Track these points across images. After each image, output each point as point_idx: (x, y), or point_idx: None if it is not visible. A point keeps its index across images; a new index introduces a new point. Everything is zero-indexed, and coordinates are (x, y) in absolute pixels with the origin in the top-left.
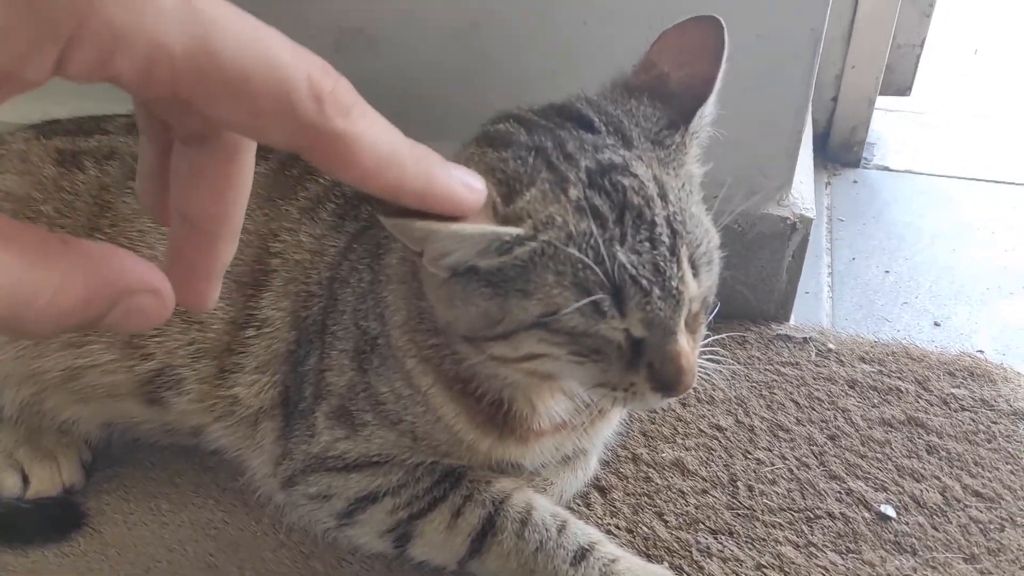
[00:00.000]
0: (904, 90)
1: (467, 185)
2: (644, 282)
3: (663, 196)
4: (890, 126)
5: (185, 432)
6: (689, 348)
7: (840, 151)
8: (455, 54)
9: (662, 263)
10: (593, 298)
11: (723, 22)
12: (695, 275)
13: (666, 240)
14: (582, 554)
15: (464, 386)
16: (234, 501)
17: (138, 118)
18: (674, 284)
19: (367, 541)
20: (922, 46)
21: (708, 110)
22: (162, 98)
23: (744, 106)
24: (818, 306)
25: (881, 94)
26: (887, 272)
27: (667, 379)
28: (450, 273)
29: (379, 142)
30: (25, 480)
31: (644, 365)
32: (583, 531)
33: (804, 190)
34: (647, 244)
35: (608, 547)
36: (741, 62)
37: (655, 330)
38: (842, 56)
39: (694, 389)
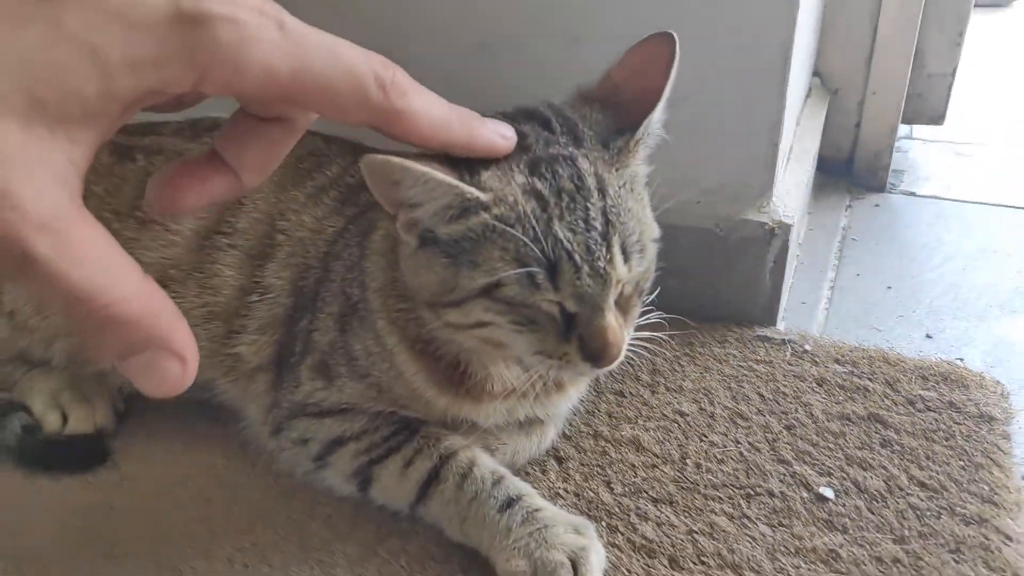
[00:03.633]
0: (937, 119)
1: (501, 134)
2: (577, 258)
3: (601, 190)
4: (924, 155)
5: (200, 385)
6: (617, 324)
7: (865, 176)
8: (468, 69)
9: (593, 245)
10: (529, 269)
11: (675, 37)
12: (625, 260)
13: (598, 227)
14: (509, 503)
15: (425, 347)
16: (235, 449)
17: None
18: (602, 265)
19: (336, 484)
20: (953, 75)
21: (656, 117)
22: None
23: (725, 115)
24: (812, 317)
25: (914, 123)
26: (889, 288)
27: (594, 350)
28: (418, 243)
29: (431, 112)
30: (64, 419)
31: (576, 336)
32: (515, 486)
33: (789, 200)
34: (582, 225)
35: (535, 499)
36: (720, 76)
37: (585, 305)
38: (863, 82)
39: (662, 378)
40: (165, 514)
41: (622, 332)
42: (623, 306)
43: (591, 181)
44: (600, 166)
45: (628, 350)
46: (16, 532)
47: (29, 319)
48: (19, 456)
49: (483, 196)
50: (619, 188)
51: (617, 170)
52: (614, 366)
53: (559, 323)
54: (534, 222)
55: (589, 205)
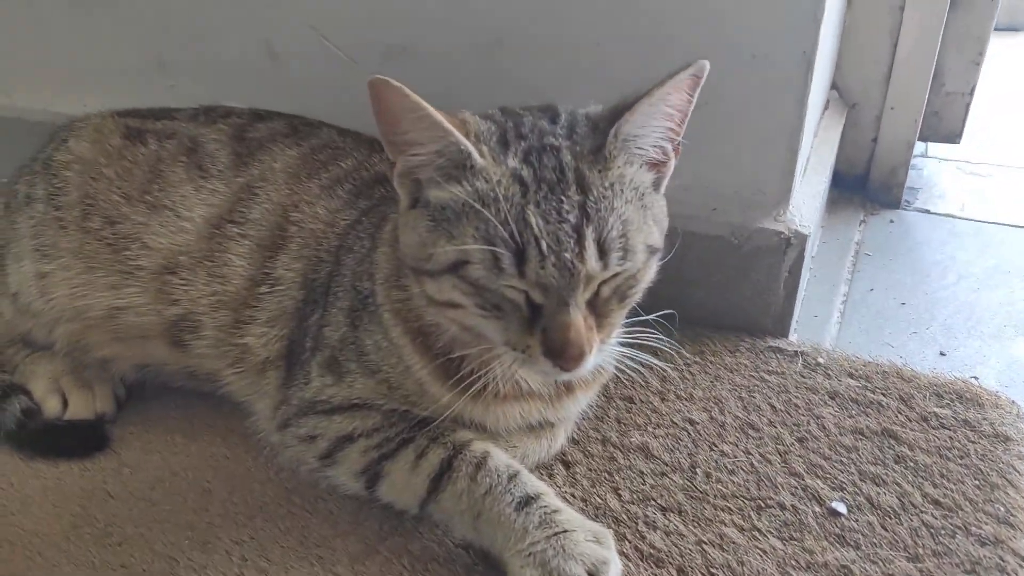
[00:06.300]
0: (953, 137)
1: None
2: (544, 246)
3: (580, 185)
4: (940, 174)
5: (204, 376)
6: (583, 325)
7: (880, 192)
8: (482, 66)
9: (563, 236)
10: (494, 249)
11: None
12: (600, 257)
13: (571, 220)
14: (527, 501)
15: (424, 339)
16: (238, 441)
17: None
18: (568, 257)
19: (344, 481)
20: (971, 94)
21: (624, 130)
22: None
23: (742, 124)
24: (825, 330)
25: (930, 140)
26: (903, 304)
27: (555, 346)
28: (410, 202)
29: None
30: (65, 404)
31: (540, 330)
32: (532, 483)
33: (805, 210)
34: (555, 215)
35: (553, 499)
36: (739, 81)
37: (551, 297)
38: (881, 98)
39: (672, 385)
40: (163, 503)
41: (589, 334)
42: (599, 309)
43: (571, 175)
44: (584, 162)
45: (617, 365)
46: (11, 514)
47: (33, 302)
48: (18, 440)
49: (475, 155)
50: (605, 186)
51: (599, 171)
52: (581, 372)
53: (524, 313)
54: (508, 206)
55: (563, 197)
